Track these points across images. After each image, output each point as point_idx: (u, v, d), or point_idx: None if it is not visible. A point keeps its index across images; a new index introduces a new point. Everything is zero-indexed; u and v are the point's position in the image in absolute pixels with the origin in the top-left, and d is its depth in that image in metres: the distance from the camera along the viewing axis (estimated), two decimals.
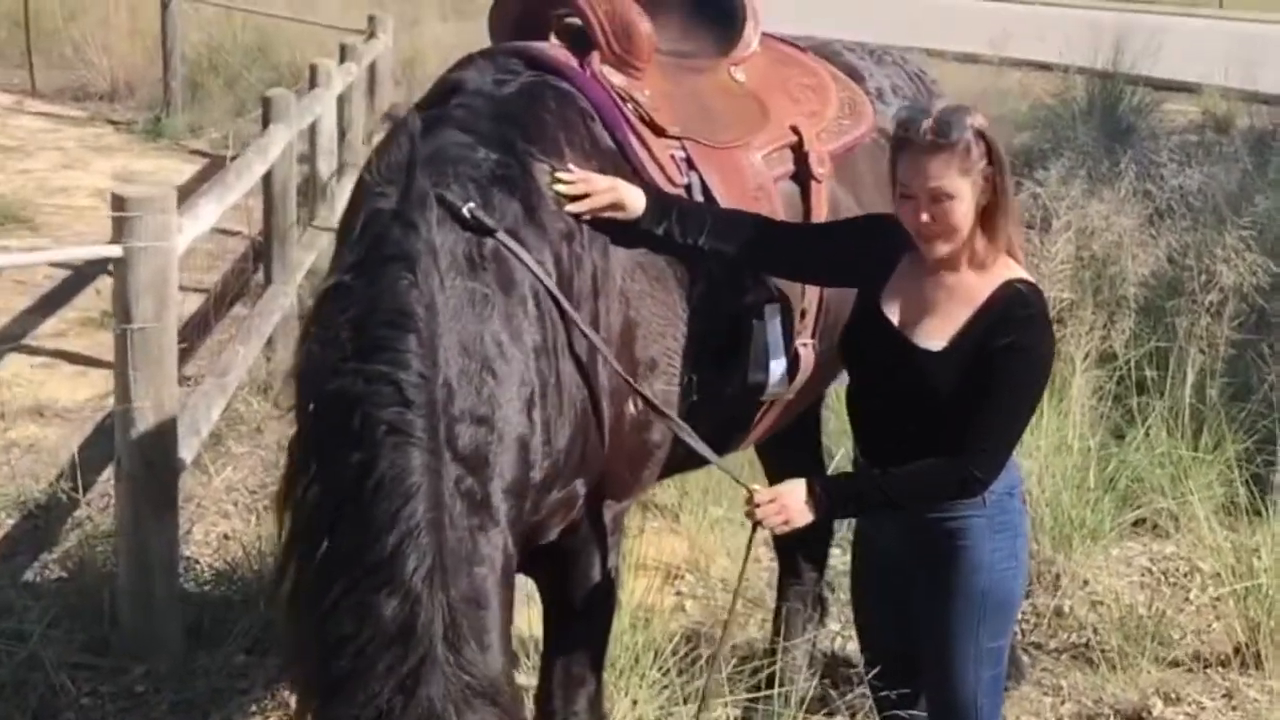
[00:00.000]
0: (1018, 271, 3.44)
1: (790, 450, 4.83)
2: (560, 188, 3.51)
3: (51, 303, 8.72)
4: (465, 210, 3.27)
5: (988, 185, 3.34)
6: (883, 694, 3.74)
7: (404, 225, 3.18)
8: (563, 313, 3.38)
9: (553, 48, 3.85)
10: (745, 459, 5.00)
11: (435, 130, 3.45)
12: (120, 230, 4.61)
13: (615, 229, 3.59)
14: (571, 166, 3.55)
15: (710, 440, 3.97)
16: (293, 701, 3.14)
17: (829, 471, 6.03)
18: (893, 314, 3.49)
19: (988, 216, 3.37)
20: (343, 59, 10.61)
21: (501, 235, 3.30)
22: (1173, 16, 22.70)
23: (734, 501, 5.93)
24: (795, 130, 4.13)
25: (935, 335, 3.42)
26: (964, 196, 3.33)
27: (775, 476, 5.11)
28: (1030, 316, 3.38)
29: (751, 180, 3.93)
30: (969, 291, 3.41)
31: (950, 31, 18.14)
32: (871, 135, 4.38)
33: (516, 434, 3.24)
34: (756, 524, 3.47)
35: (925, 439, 3.39)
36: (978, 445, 3.37)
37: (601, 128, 3.73)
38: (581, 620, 3.73)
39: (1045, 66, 15.02)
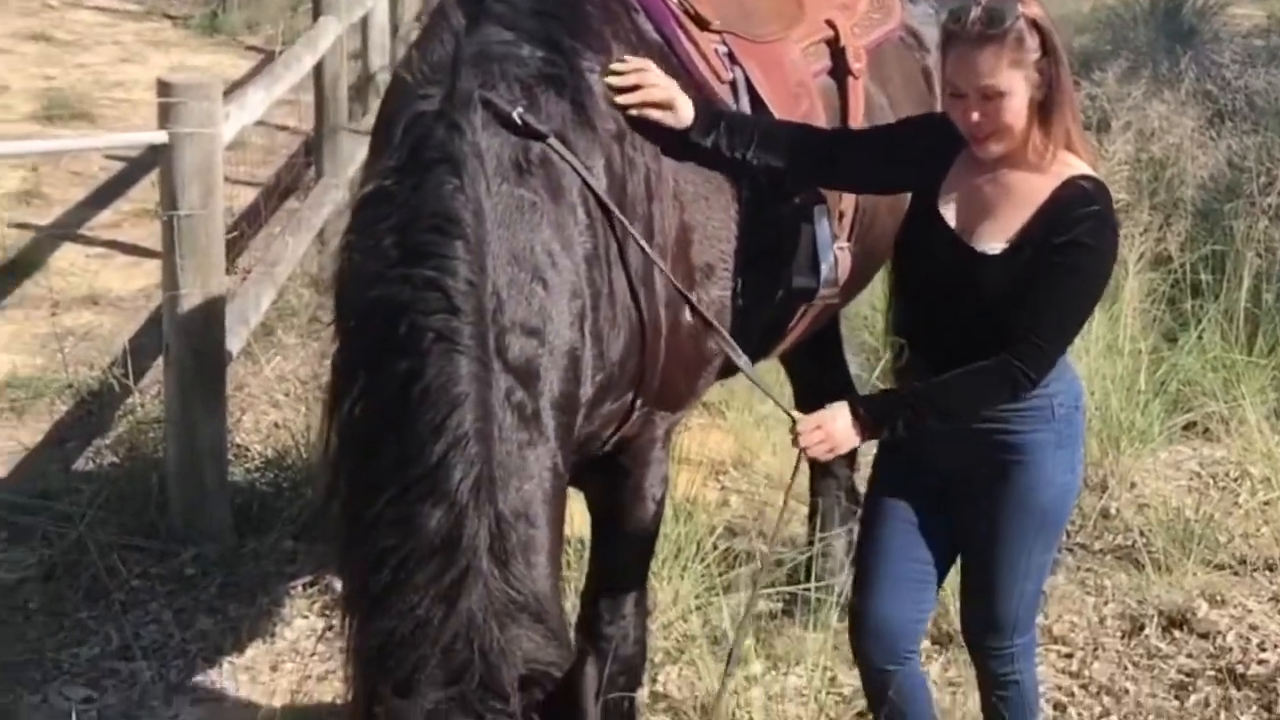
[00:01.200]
0: (1081, 167, 3.26)
1: (816, 355, 4.81)
2: (612, 79, 3.41)
3: (106, 194, 8.77)
4: (515, 114, 3.15)
5: (1042, 79, 3.17)
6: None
7: (448, 127, 3.08)
8: (612, 221, 3.28)
9: None
10: (771, 366, 4.97)
11: (476, 27, 3.30)
12: (166, 116, 4.62)
13: (663, 135, 3.49)
14: (627, 57, 3.46)
15: (750, 348, 3.95)
16: (337, 621, 3.14)
17: (873, 375, 6.03)
18: (949, 216, 3.33)
19: (1044, 111, 3.19)
20: None
21: (552, 140, 3.19)
22: None
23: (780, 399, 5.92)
24: (830, 24, 4.04)
25: (994, 237, 3.26)
26: (1016, 92, 3.16)
27: (801, 384, 5.09)
28: (1093, 214, 3.19)
29: (792, 76, 3.85)
30: (1029, 191, 3.24)
31: None
32: (899, 33, 4.31)
33: (567, 347, 3.14)
34: (802, 452, 3.36)
35: (983, 346, 3.24)
36: (1029, 341, 3.22)
37: (646, 20, 3.62)
38: (631, 529, 3.70)
39: None
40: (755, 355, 4.10)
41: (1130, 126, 6.90)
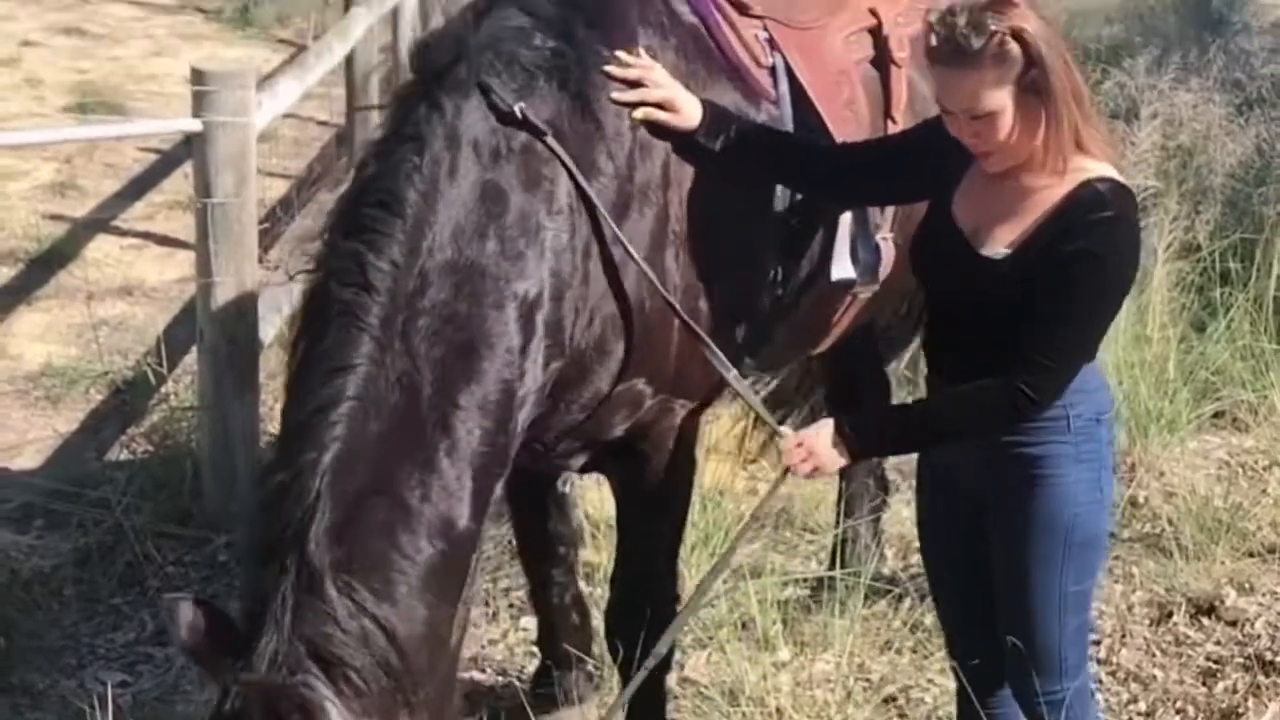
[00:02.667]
0: (1100, 169, 3.04)
1: (851, 355, 4.72)
2: (614, 70, 3.37)
3: (140, 186, 8.85)
4: (516, 109, 3.16)
5: (1033, 89, 2.95)
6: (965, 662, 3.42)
7: (429, 106, 3.13)
8: (594, 216, 3.24)
9: None
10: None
11: (497, 8, 3.37)
12: (200, 105, 4.67)
13: (670, 136, 3.42)
14: (642, 50, 3.44)
15: (790, 339, 3.92)
16: None
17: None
18: (962, 218, 3.15)
19: (1047, 121, 2.97)
20: None
21: (549, 139, 3.19)
22: None
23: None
24: (874, 13, 3.99)
25: (1000, 241, 3.06)
26: (1005, 109, 2.95)
27: (833, 378, 4.97)
28: (1106, 220, 2.97)
29: (832, 63, 3.82)
30: (1041, 193, 3.03)
31: None
32: None
33: (499, 338, 3.07)
34: (786, 469, 3.21)
35: (993, 360, 3.04)
36: (1035, 358, 3.00)
37: (682, 3, 3.63)
38: (655, 516, 3.69)
39: None
40: (797, 348, 4.11)
41: (1158, 115, 6.88)
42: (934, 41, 2.98)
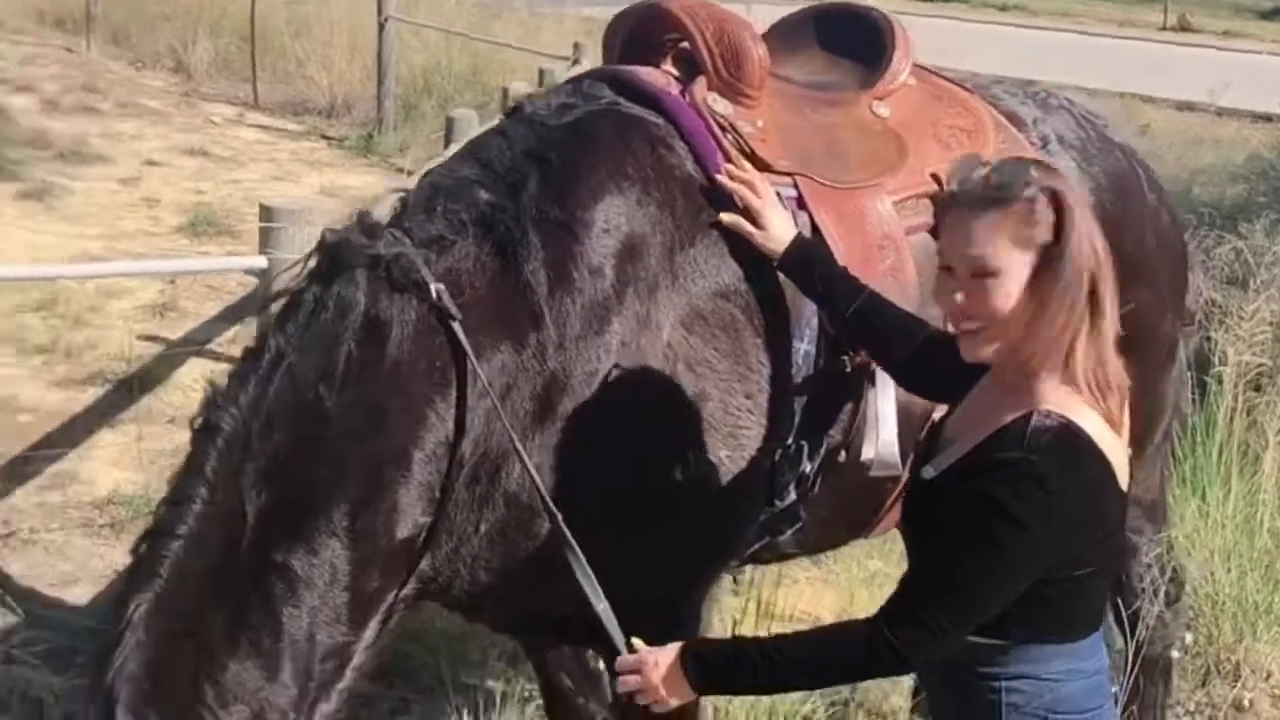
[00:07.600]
0: (1063, 403, 2.56)
1: None
2: (729, 168, 3.33)
3: (239, 310, 8.82)
4: (433, 289, 2.96)
5: (1049, 270, 2.54)
6: None
7: (333, 262, 3.05)
8: (462, 395, 3.02)
9: (652, 72, 3.55)
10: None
11: (465, 155, 3.31)
12: (265, 240, 4.58)
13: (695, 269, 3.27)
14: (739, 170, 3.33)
15: (832, 520, 3.62)
16: None
17: None
18: (946, 429, 2.79)
19: (1042, 307, 2.55)
20: (540, 84, 10.62)
21: (455, 327, 2.96)
22: None
23: (889, 558, 5.67)
24: (937, 179, 3.62)
25: (941, 462, 2.68)
26: (1012, 275, 2.54)
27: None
28: (1014, 463, 2.50)
29: (876, 227, 3.51)
30: (992, 415, 2.61)
31: (1168, 79, 17.54)
32: None
33: (333, 494, 2.91)
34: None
35: None
36: (906, 602, 2.59)
37: (683, 156, 3.38)
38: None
39: (1266, 118, 14.40)
40: (841, 531, 3.81)
41: (1271, 283, 6.54)
42: (955, 185, 2.62)
